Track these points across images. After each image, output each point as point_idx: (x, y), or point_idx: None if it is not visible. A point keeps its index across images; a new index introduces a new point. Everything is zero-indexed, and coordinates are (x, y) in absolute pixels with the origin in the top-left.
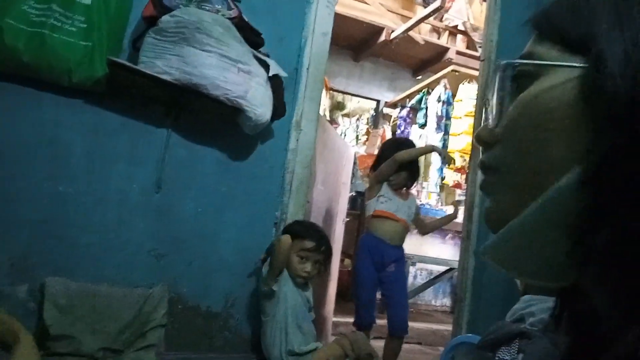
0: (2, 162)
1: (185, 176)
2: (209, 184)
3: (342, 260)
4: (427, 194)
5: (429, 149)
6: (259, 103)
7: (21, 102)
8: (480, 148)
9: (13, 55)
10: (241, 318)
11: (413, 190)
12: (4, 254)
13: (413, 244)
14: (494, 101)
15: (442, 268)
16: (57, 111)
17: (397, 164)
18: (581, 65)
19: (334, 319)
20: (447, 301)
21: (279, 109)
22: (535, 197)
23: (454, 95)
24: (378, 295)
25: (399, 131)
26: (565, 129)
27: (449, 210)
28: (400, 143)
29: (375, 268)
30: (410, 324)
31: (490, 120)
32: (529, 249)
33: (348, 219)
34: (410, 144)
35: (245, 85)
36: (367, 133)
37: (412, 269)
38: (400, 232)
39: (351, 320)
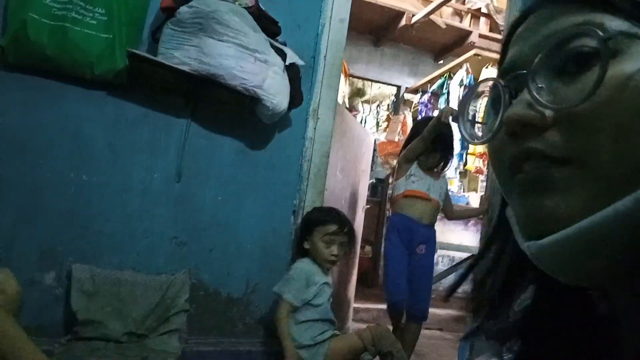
0: (28, 154)
1: (205, 166)
2: (227, 173)
3: (362, 247)
4: (448, 180)
5: (438, 116)
6: (275, 92)
7: (45, 95)
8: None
9: (36, 49)
10: (261, 304)
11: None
12: (34, 242)
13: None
14: (537, 80)
15: (464, 254)
16: (80, 104)
17: (425, 142)
18: None
19: (355, 305)
20: (468, 288)
21: (296, 97)
22: (628, 193)
23: (476, 80)
24: None
25: (419, 117)
26: None
27: (472, 197)
28: (453, 115)
29: (406, 248)
30: (432, 310)
31: (525, 101)
32: (597, 252)
33: (368, 206)
34: (446, 125)
35: (262, 75)
36: (388, 119)
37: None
38: (431, 212)
39: (372, 306)
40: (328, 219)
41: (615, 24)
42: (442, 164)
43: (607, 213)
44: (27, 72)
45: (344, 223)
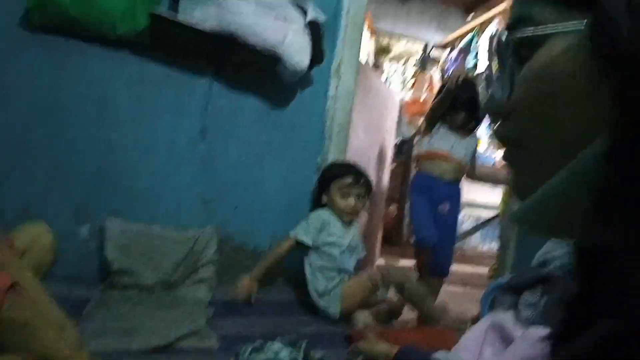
0: (59, 114)
1: (228, 125)
2: (250, 132)
3: (387, 206)
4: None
5: (456, 75)
6: (296, 50)
7: (71, 56)
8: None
9: (60, 10)
10: (286, 256)
11: None
12: (67, 199)
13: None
14: (496, 72)
15: (490, 213)
16: (105, 64)
17: (443, 103)
18: (584, 24)
19: (379, 262)
20: (494, 246)
21: (318, 55)
22: (563, 166)
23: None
24: None
25: (447, 75)
26: (586, 95)
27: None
28: (460, 78)
29: (431, 204)
30: (456, 266)
31: (493, 91)
32: (556, 210)
33: (393, 166)
34: (470, 84)
35: (283, 33)
36: (414, 78)
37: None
38: (453, 170)
39: (397, 263)
40: (344, 172)
41: (543, 15)
42: (471, 123)
43: (548, 185)
44: (52, 34)
45: (360, 175)
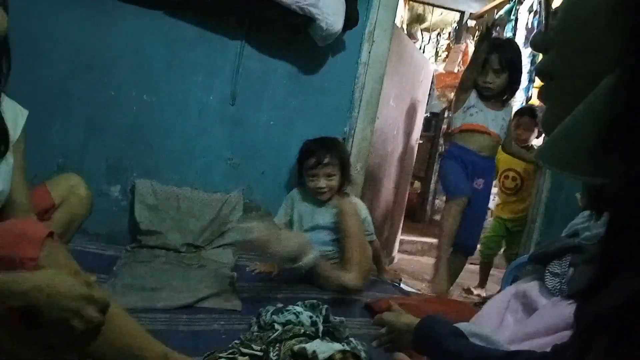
0: (93, 72)
1: (258, 89)
2: (280, 96)
3: (412, 183)
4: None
5: (489, 22)
6: (331, 11)
7: (106, 13)
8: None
9: None
10: None
11: None
12: (102, 156)
13: None
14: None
15: None
16: (139, 22)
17: (478, 56)
18: None
19: (401, 237)
20: None
21: (352, 18)
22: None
23: (548, 4)
24: None
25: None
26: (609, 29)
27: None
28: (495, 38)
29: (466, 175)
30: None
31: (541, 27)
32: (570, 146)
33: (421, 141)
34: (512, 42)
35: None
36: (448, 49)
37: None
38: (491, 145)
39: (417, 239)
40: (307, 154)
41: None
42: (506, 91)
43: (566, 121)
44: None
45: (322, 153)
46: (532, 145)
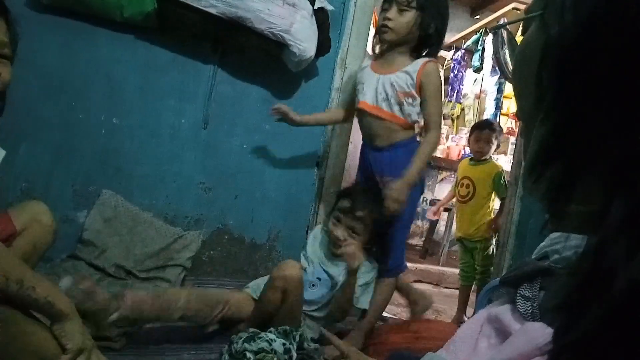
0: (63, 95)
1: (231, 113)
2: (253, 121)
3: None
4: None
5: None
6: (303, 37)
7: (78, 37)
8: None
9: None
10: (283, 251)
11: (464, 137)
12: (68, 181)
13: None
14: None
15: None
16: (111, 46)
17: None
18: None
19: None
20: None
21: (324, 44)
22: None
23: (513, 36)
24: None
25: (452, 75)
26: (534, 75)
27: (501, 159)
28: None
29: None
30: (450, 269)
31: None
32: (531, 172)
33: None
34: None
35: (290, 19)
36: None
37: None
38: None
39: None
40: (344, 193)
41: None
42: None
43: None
44: (60, 14)
45: (359, 205)
46: (490, 157)
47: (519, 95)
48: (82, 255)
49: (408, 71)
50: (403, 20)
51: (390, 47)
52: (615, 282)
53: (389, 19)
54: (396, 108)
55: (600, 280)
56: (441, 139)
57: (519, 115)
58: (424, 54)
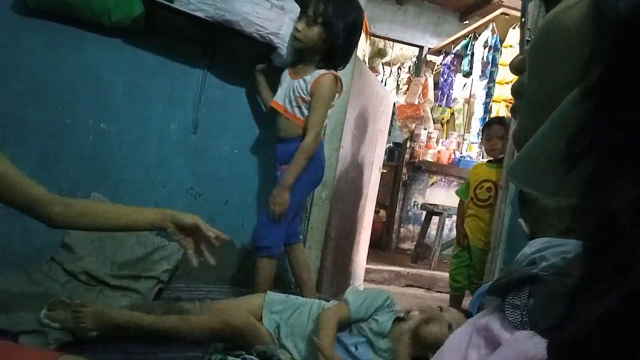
0: (50, 100)
1: (221, 117)
2: (243, 125)
3: (377, 212)
4: (468, 145)
5: None
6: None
7: (65, 41)
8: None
9: None
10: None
11: (454, 141)
12: (55, 187)
13: (446, 197)
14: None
15: None
16: (99, 50)
17: None
18: None
19: (367, 266)
20: None
21: None
22: (548, 115)
23: (502, 41)
24: None
25: (442, 79)
26: (576, 48)
27: None
28: None
29: None
30: (437, 272)
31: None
32: (538, 163)
33: (384, 171)
34: None
35: (279, 22)
36: (408, 82)
37: (448, 222)
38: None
39: (383, 268)
40: None
41: None
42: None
43: (534, 136)
44: (47, 18)
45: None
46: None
47: (541, 72)
48: (59, 259)
49: (306, 80)
50: (309, 34)
51: (302, 55)
52: (626, 282)
53: (298, 31)
54: (297, 110)
55: (607, 281)
56: (431, 142)
57: (524, 93)
58: (330, 65)
